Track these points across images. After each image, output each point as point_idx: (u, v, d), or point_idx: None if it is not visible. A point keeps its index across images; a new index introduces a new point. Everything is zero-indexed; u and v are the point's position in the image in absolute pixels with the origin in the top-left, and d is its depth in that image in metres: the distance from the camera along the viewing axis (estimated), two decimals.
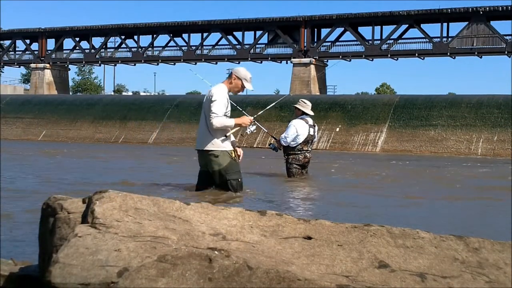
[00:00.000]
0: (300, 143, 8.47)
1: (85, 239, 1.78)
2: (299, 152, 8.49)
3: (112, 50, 47.98)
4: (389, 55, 39.57)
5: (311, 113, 8.65)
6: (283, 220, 2.15)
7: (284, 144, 8.47)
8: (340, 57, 41.11)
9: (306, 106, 8.60)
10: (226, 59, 44.41)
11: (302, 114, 8.58)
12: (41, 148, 18.98)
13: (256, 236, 2.02)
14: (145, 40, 48.72)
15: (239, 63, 47.94)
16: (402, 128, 22.39)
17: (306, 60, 40.61)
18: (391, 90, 77.05)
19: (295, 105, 8.66)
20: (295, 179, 8.39)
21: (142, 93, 77.71)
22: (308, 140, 8.56)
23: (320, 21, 40.71)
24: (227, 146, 5.92)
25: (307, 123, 8.50)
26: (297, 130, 8.40)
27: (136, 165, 12.11)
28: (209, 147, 5.86)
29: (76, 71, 75.09)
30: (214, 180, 6.01)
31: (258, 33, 42.17)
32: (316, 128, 8.81)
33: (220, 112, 5.77)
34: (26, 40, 49.30)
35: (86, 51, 47.99)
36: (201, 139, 5.97)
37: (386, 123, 22.72)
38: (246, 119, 6.22)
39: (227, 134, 5.91)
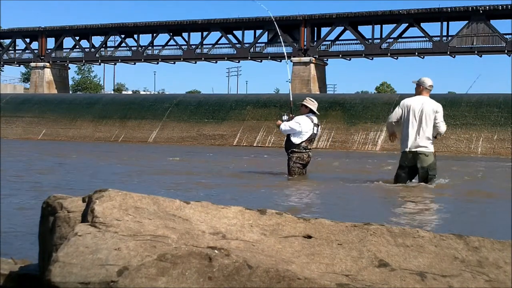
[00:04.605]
0: (305, 141, 8.46)
1: (85, 238, 1.78)
2: (304, 150, 8.45)
3: (112, 49, 47.98)
4: (389, 54, 39.57)
5: (317, 112, 8.65)
6: (283, 219, 2.15)
7: (282, 128, 8.47)
8: (340, 56, 41.14)
9: (313, 105, 8.58)
10: (226, 58, 44.42)
11: (308, 112, 8.56)
12: (39, 145, 18.97)
13: (256, 235, 2.02)
14: (145, 39, 48.77)
15: (238, 62, 47.98)
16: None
17: (306, 59, 40.60)
18: (391, 89, 77.06)
19: (303, 102, 8.61)
20: (296, 177, 8.37)
21: (142, 92, 77.65)
22: (312, 139, 8.56)
23: (320, 20, 40.71)
24: (433, 147, 7.43)
25: (312, 121, 8.49)
26: (302, 127, 8.37)
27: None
28: (423, 149, 7.31)
29: (76, 70, 75.13)
30: (418, 173, 7.36)
31: (258, 32, 42.16)
32: (319, 127, 8.80)
33: None
34: (26, 39, 49.31)
35: (86, 50, 47.98)
36: (414, 142, 7.34)
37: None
38: None
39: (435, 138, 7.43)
